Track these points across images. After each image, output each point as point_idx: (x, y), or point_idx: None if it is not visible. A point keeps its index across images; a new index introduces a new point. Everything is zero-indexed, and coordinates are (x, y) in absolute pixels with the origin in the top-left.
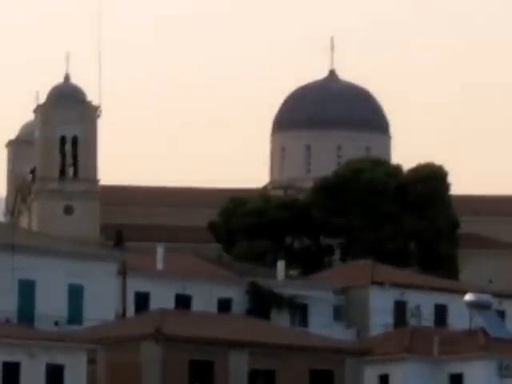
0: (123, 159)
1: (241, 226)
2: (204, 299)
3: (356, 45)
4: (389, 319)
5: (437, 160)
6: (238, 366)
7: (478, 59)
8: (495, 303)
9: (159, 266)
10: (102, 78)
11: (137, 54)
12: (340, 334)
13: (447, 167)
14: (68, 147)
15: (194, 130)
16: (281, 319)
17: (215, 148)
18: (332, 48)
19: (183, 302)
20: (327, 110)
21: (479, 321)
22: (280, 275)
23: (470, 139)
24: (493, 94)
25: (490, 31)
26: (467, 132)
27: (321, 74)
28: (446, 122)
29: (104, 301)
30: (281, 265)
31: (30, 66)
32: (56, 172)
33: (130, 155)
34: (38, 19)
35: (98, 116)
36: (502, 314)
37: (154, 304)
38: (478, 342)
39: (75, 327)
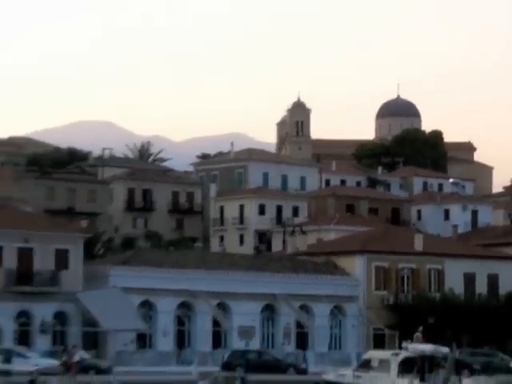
0: (321, 128)
1: (365, 154)
2: (350, 181)
3: (414, 89)
4: None
5: (438, 127)
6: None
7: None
8: (460, 182)
9: (333, 168)
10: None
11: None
12: None
13: (444, 132)
14: (299, 126)
15: (351, 116)
16: (379, 189)
17: (358, 124)
18: (398, 87)
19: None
20: (396, 110)
21: (455, 189)
22: (379, 171)
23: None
24: None
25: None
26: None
27: (392, 95)
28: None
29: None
30: (379, 168)
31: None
32: (294, 133)
33: (324, 127)
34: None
35: (310, 112)
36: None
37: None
38: (454, 197)
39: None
